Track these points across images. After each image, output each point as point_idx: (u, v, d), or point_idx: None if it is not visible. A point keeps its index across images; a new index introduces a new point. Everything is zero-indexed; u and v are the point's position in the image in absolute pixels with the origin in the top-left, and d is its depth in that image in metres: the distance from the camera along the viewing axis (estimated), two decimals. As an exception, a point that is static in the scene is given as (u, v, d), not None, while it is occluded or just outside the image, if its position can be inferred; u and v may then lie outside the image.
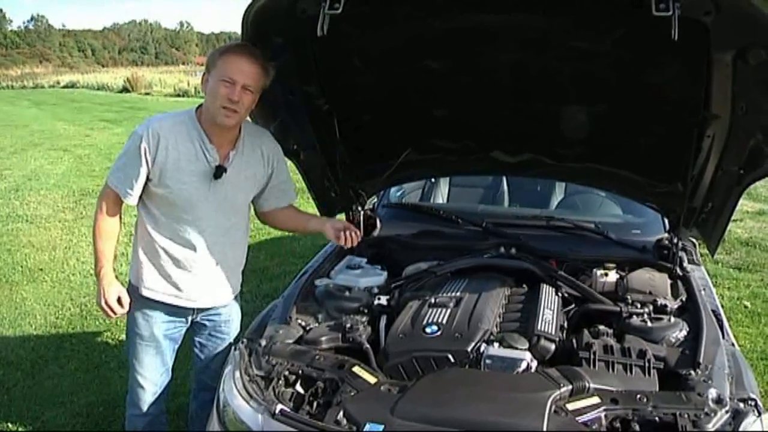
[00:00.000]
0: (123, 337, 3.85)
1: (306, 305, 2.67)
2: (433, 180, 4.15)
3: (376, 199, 3.86)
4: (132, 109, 23.01)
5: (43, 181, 10.27)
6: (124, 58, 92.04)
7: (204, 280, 2.62)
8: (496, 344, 2.20)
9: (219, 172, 2.50)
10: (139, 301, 2.62)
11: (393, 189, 3.91)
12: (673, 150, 2.59)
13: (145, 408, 2.75)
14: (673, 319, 2.42)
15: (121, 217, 2.61)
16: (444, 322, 2.32)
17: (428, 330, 2.29)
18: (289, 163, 2.85)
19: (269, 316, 2.66)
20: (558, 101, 2.58)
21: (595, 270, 2.80)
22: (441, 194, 4.25)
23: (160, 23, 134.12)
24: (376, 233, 3.41)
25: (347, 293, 2.68)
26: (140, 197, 2.54)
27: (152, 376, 2.70)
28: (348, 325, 2.42)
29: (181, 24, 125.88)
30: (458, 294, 2.55)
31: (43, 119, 19.46)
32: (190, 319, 2.71)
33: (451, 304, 2.44)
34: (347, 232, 2.73)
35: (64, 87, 39.56)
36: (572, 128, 2.69)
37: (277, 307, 2.72)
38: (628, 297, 2.59)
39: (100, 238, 2.57)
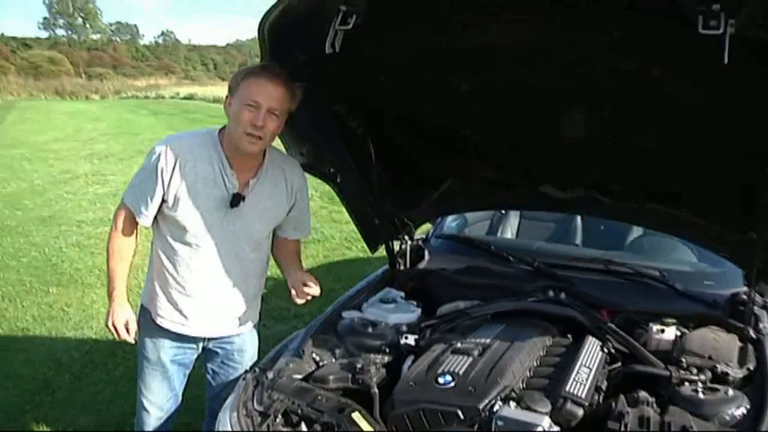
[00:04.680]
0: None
1: (325, 338, 2.51)
2: (503, 212, 3.93)
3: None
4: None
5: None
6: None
7: (212, 310, 2.52)
8: (512, 403, 1.96)
9: (236, 200, 2.38)
10: (148, 324, 2.53)
11: (449, 218, 3.71)
12: (744, 193, 2.27)
13: None
14: (732, 391, 2.07)
15: (137, 236, 2.53)
16: (461, 372, 2.09)
17: (441, 380, 2.07)
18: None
19: (287, 346, 2.52)
20: (608, 130, 2.29)
21: (651, 324, 2.49)
22: (510, 227, 3.99)
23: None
24: (422, 265, 3.21)
25: (370, 329, 2.49)
26: (155, 218, 2.44)
27: (158, 400, 2.62)
28: (359, 366, 2.23)
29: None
30: (488, 340, 2.32)
31: (156, 128, 20.28)
32: (200, 345, 2.61)
33: (476, 352, 2.21)
34: (300, 288, 2.50)
35: (183, 98, 41.37)
36: (627, 162, 2.40)
37: (297, 336, 2.58)
38: (684, 360, 2.27)
39: (112, 257, 2.49)
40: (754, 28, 1.50)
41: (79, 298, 5.60)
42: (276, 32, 2.02)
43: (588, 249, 3.40)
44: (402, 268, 3.19)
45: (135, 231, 2.52)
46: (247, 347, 2.70)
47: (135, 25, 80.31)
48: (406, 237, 3.18)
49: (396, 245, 3.19)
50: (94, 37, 74.04)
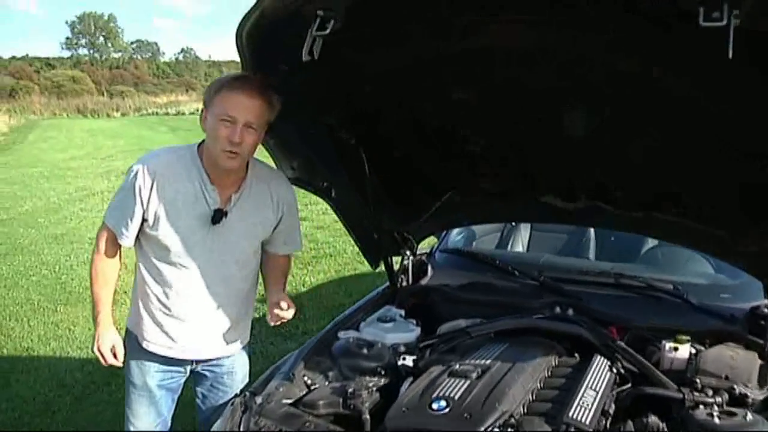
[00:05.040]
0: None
1: (319, 360, 2.38)
2: (513, 224, 3.78)
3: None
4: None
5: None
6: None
7: (199, 331, 2.41)
8: (510, 430, 1.82)
9: (218, 216, 2.29)
10: (135, 348, 2.43)
11: (455, 232, 3.57)
12: (752, 197, 2.13)
13: None
14: (751, 415, 1.91)
15: (120, 258, 2.44)
16: (457, 396, 1.96)
17: (435, 405, 1.93)
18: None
19: (279, 368, 2.41)
20: (610, 135, 2.15)
21: (664, 342, 2.34)
22: (521, 240, 3.85)
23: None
24: (424, 281, 3.08)
25: (365, 350, 2.36)
26: (137, 238, 2.35)
27: (145, 426, 2.50)
28: (350, 390, 2.10)
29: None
30: (488, 361, 2.18)
31: (174, 144, 20.30)
32: (188, 368, 2.50)
33: (474, 375, 2.07)
34: (274, 310, 2.38)
35: (203, 114, 41.46)
36: (632, 168, 2.27)
37: (290, 358, 2.46)
38: (698, 380, 2.12)
39: (96, 281, 2.40)
40: (760, 19, 1.36)
41: (86, 317, 5.53)
42: (255, 40, 1.91)
43: (599, 262, 3.25)
44: (404, 284, 3.07)
45: (118, 253, 2.43)
46: (237, 369, 2.58)
47: (155, 43, 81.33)
48: (408, 252, 3.06)
49: (399, 260, 3.08)
50: (116, 55, 74.90)
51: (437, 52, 1.90)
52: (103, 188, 12.22)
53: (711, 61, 1.42)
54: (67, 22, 74.33)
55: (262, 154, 2.48)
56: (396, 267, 3.07)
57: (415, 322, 2.63)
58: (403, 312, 2.72)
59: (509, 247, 3.75)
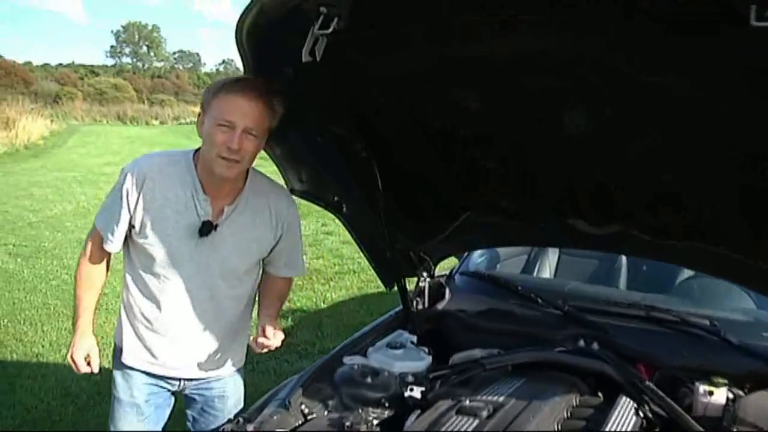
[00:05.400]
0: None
1: (320, 387, 2.21)
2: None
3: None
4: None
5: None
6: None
7: (182, 349, 2.27)
8: (521, 482, 1.64)
9: (206, 228, 2.15)
10: (119, 361, 2.32)
11: (477, 253, 3.37)
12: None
13: None
14: None
15: (108, 263, 2.32)
16: (464, 438, 1.78)
17: (438, 446, 1.76)
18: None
19: (277, 393, 2.24)
20: (647, 153, 1.92)
21: (698, 384, 2.13)
22: (548, 264, 3.63)
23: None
24: (440, 306, 2.90)
25: (369, 379, 2.19)
26: (125, 245, 2.22)
27: None
28: (348, 423, 1.93)
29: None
30: (502, 398, 2.00)
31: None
32: (175, 385, 2.35)
33: (484, 413, 1.89)
34: (259, 338, 2.23)
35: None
36: (670, 193, 2.06)
37: (289, 383, 2.29)
38: (735, 430, 1.91)
39: (80, 285, 2.30)
40: None
41: (100, 325, 5.42)
42: (255, 40, 1.74)
43: (630, 291, 3.03)
44: (420, 307, 2.88)
45: (106, 257, 2.32)
46: (228, 393, 2.43)
47: (197, 54, 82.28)
48: (425, 273, 2.88)
49: (415, 282, 2.90)
50: (158, 64, 76.15)
51: (445, 56, 1.72)
52: (135, 195, 12.24)
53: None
54: (112, 31, 76.00)
55: (270, 168, 2.34)
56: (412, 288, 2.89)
57: (426, 350, 2.44)
58: (415, 338, 2.54)
59: (535, 271, 3.54)
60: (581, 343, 2.35)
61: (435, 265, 2.91)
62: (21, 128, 20.71)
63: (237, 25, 1.69)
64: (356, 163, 2.32)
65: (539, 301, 2.73)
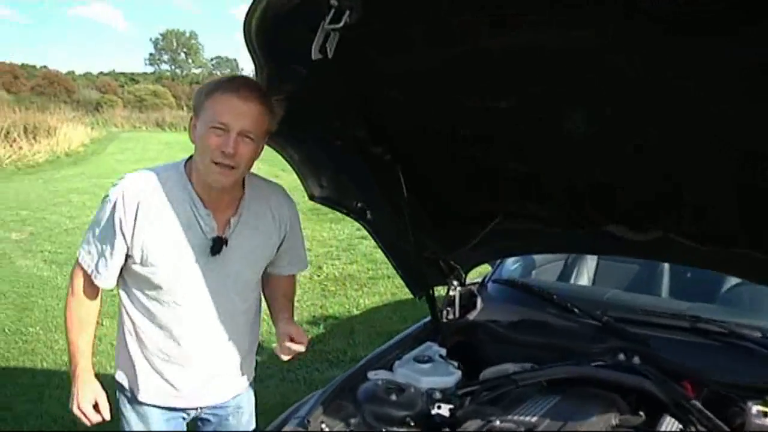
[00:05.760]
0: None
1: (341, 405, 2.10)
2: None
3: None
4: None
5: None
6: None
7: (205, 376, 2.15)
8: None
9: (218, 245, 2.00)
10: (130, 400, 2.17)
11: (510, 260, 3.22)
12: None
13: None
14: None
15: (100, 300, 2.14)
16: (493, 462, 1.65)
17: (466, 472, 1.63)
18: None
19: (298, 410, 2.14)
20: (694, 154, 1.77)
21: (750, 404, 1.96)
22: (586, 271, 3.47)
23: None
24: (471, 316, 2.76)
25: (394, 396, 2.07)
26: (121, 276, 2.08)
27: None
28: None
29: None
30: (535, 418, 1.87)
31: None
32: (194, 412, 2.23)
33: (517, 435, 1.77)
34: (284, 342, 2.08)
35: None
36: (719, 196, 1.89)
37: (310, 399, 2.19)
38: (792, 456, 1.75)
39: (72, 328, 2.09)
40: None
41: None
42: (264, 38, 1.62)
43: (673, 300, 2.86)
44: (450, 317, 2.75)
45: (97, 294, 2.11)
46: (244, 407, 2.32)
47: (235, 60, 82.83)
48: (455, 282, 2.74)
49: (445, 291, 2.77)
50: (196, 71, 76.99)
51: (471, 51, 1.59)
52: (170, 201, 12.30)
53: None
54: (151, 39, 77.11)
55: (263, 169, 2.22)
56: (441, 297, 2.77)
57: (456, 364, 2.31)
58: (444, 351, 2.41)
59: (572, 278, 3.38)
60: (621, 357, 2.20)
61: (466, 273, 2.78)
62: (62, 136, 21.05)
63: (244, 22, 1.58)
64: (378, 167, 2.20)
65: (576, 311, 2.58)
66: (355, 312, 6.12)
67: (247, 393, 2.33)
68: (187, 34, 77.68)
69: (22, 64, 54.12)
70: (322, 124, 2.03)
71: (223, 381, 2.20)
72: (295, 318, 5.79)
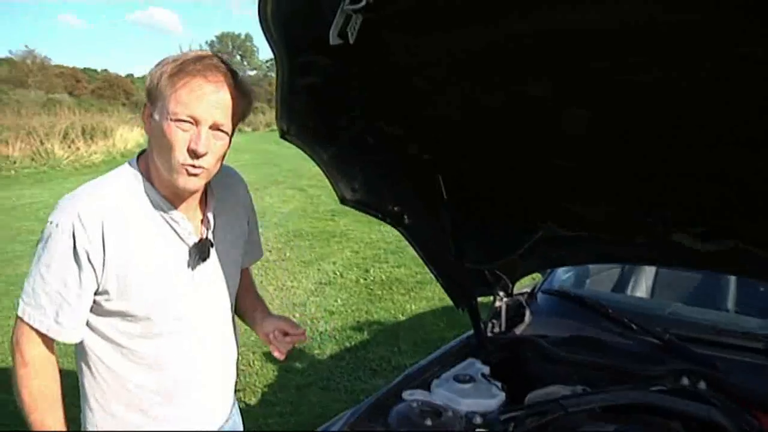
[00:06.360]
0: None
1: (372, 428, 1.93)
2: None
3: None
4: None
5: (266, 219, 10.50)
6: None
7: (207, 410, 1.87)
8: None
9: (204, 249, 1.70)
10: None
11: (562, 268, 3.00)
12: None
13: None
14: None
15: (56, 357, 1.67)
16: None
17: None
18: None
19: (326, 432, 1.97)
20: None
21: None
22: (645, 281, 3.22)
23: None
24: (519, 330, 2.56)
25: (429, 421, 1.88)
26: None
27: None
28: None
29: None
30: (587, 452, 1.67)
31: (296, 160, 20.53)
32: None
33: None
34: (280, 338, 1.84)
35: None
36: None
37: (338, 421, 2.02)
38: None
39: (35, 408, 1.60)
40: None
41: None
42: (282, 25, 1.45)
43: (743, 317, 2.60)
44: (496, 330, 2.56)
45: (53, 351, 1.66)
46: (233, 421, 2.00)
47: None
48: (501, 292, 2.54)
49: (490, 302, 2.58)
50: (251, 73, 77.83)
51: (513, 31, 1.37)
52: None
53: None
54: (206, 42, 78.13)
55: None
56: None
57: (499, 385, 2.11)
58: (487, 369, 2.22)
59: (629, 289, 3.14)
60: (685, 381, 1.97)
61: (513, 284, 2.57)
62: (118, 137, 21.40)
63: (258, 8, 1.41)
64: (415, 168, 2.02)
65: (634, 327, 2.36)
66: (401, 318, 5.94)
67: (236, 407, 2.04)
68: (242, 37, 78.72)
69: (84, 68, 55.40)
70: (351, 120, 1.84)
71: (221, 406, 1.93)
72: (340, 323, 5.66)
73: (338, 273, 7.43)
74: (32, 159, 17.60)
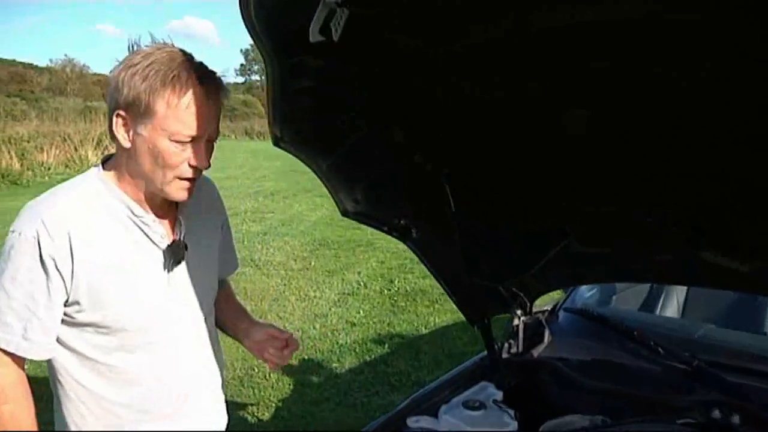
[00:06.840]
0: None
1: None
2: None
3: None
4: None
5: (293, 227, 10.44)
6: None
7: (196, 417, 1.76)
8: None
9: (178, 250, 1.62)
10: None
11: (585, 287, 2.82)
12: None
13: None
14: None
15: (27, 377, 1.58)
16: None
17: None
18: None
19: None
20: None
21: None
22: (676, 299, 3.02)
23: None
24: (536, 352, 2.39)
25: (434, 453, 1.74)
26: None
27: None
28: None
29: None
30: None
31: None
32: None
33: None
34: (276, 350, 1.76)
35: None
36: None
37: None
38: None
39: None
40: None
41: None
42: (267, 22, 1.32)
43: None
44: (512, 351, 2.39)
45: (24, 372, 1.57)
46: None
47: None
48: (518, 311, 2.38)
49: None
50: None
51: (523, 25, 1.22)
52: (248, 208, 12.29)
53: None
54: (241, 50, 78.89)
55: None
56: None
57: (512, 413, 1.96)
58: (500, 394, 2.07)
59: (658, 308, 2.94)
60: (716, 413, 1.79)
61: (532, 302, 2.41)
62: (151, 143, 21.74)
63: (240, 7, 1.28)
64: (421, 177, 1.87)
65: (660, 351, 2.17)
66: (424, 331, 5.78)
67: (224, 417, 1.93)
68: (278, 44, 79.37)
69: (122, 76, 56.36)
70: (350, 126, 1.70)
71: (215, 415, 1.85)
72: (361, 336, 5.53)
73: (362, 283, 7.30)
74: (66, 165, 17.85)
